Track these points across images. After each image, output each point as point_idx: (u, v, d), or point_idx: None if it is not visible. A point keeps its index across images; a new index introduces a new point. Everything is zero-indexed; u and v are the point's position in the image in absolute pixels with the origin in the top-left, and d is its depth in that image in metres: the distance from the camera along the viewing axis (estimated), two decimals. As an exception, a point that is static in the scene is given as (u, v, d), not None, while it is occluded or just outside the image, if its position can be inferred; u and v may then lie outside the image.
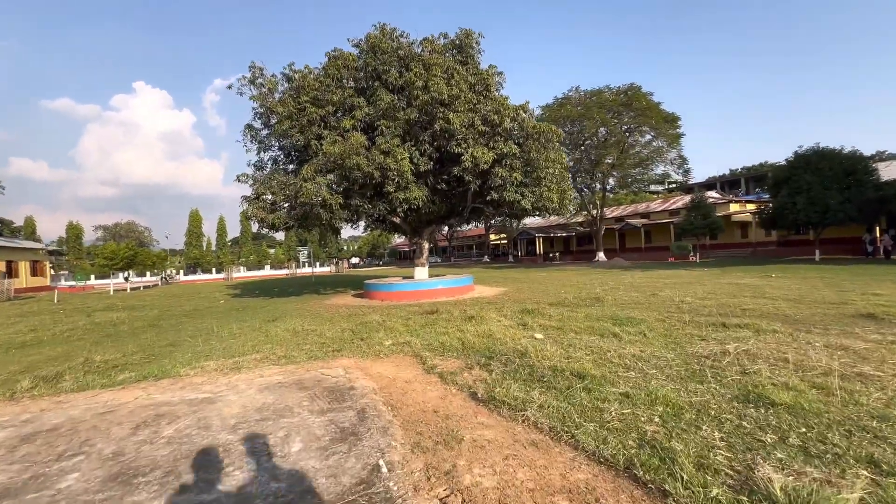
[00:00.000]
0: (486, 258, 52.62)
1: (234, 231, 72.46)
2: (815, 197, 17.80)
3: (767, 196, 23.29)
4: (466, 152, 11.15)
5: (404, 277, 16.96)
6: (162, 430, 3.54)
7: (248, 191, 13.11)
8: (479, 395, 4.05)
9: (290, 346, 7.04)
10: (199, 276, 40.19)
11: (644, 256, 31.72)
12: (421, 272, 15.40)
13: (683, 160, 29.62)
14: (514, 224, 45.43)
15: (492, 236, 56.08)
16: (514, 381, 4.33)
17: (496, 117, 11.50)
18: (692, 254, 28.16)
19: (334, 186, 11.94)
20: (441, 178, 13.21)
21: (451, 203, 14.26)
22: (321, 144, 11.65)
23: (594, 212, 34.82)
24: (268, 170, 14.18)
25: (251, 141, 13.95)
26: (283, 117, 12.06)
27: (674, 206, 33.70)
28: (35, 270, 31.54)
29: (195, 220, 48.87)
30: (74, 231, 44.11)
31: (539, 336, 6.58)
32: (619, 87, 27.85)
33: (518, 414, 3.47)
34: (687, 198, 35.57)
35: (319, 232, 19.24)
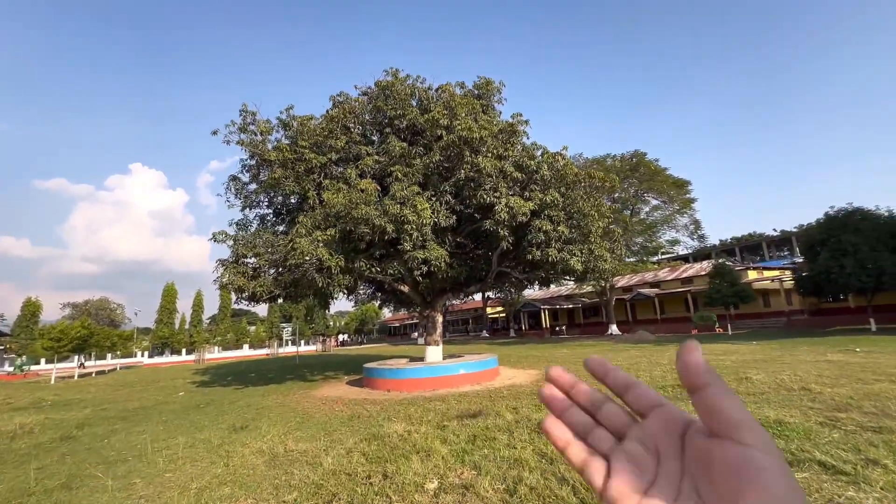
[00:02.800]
0: (484, 333, 49.23)
1: (212, 307, 68.09)
2: (865, 259, 16.13)
3: (788, 262, 21.69)
4: (500, 202, 9.10)
5: (410, 359, 13.97)
6: None
7: (225, 253, 10.64)
8: None
9: (262, 493, 4.12)
10: (166, 359, 35.57)
11: (660, 329, 29.21)
12: (434, 353, 12.52)
13: (697, 225, 28.56)
14: (517, 296, 43.01)
15: (488, 309, 53.26)
16: None
17: (532, 163, 9.67)
18: (717, 325, 25.81)
19: (334, 245, 9.57)
20: (462, 237, 11.02)
21: (471, 266, 11.91)
22: (321, 195, 9.52)
23: (602, 281, 32.88)
24: (253, 229, 11.85)
25: (235, 196, 11.79)
26: (276, 165, 10.03)
27: (686, 275, 32.07)
28: (-32, 355, 27.12)
29: (169, 294, 44.92)
30: (31, 308, 39.53)
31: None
32: (624, 154, 27.65)
33: None
34: (699, 265, 34.13)
35: (308, 304, 16.51)
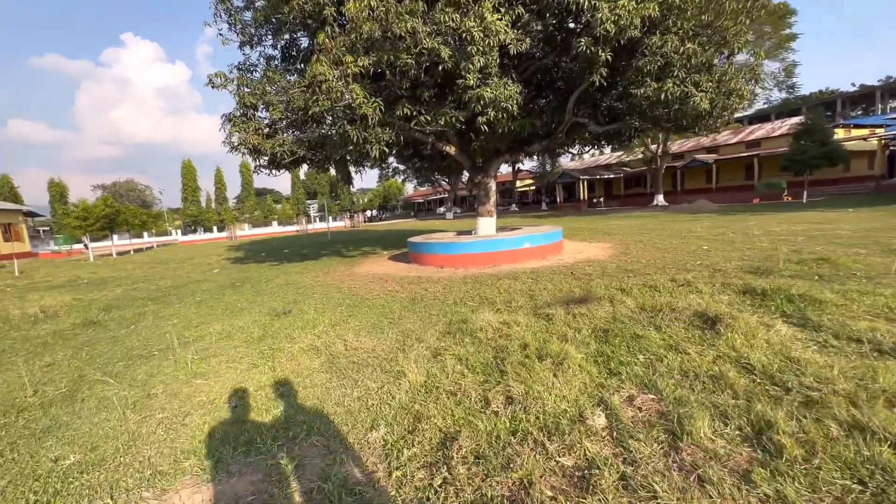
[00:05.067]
0: (513, 206, 47.54)
1: (235, 187, 67.48)
2: None
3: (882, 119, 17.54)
4: (601, 4, 6.14)
5: (458, 233, 12.44)
6: None
7: (230, 105, 8.36)
8: None
9: (330, 423, 2.71)
10: (200, 236, 36.06)
11: (714, 199, 26.53)
12: (487, 225, 10.83)
13: (790, 72, 23.11)
14: (555, 166, 39.84)
15: (517, 182, 50.54)
16: None
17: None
18: (786, 193, 22.98)
19: (368, 86, 7.10)
20: (533, 71, 8.23)
21: (538, 115, 9.31)
22: (342, 10, 6.70)
23: (653, 146, 29.22)
24: (259, 73, 9.25)
25: (230, 28, 8.92)
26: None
27: (752, 137, 27.91)
28: (8, 234, 27.58)
29: (189, 172, 43.46)
30: (57, 189, 39.28)
31: None
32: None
33: None
34: (770, 125, 29.56)
35: (332, 180, 14.62)
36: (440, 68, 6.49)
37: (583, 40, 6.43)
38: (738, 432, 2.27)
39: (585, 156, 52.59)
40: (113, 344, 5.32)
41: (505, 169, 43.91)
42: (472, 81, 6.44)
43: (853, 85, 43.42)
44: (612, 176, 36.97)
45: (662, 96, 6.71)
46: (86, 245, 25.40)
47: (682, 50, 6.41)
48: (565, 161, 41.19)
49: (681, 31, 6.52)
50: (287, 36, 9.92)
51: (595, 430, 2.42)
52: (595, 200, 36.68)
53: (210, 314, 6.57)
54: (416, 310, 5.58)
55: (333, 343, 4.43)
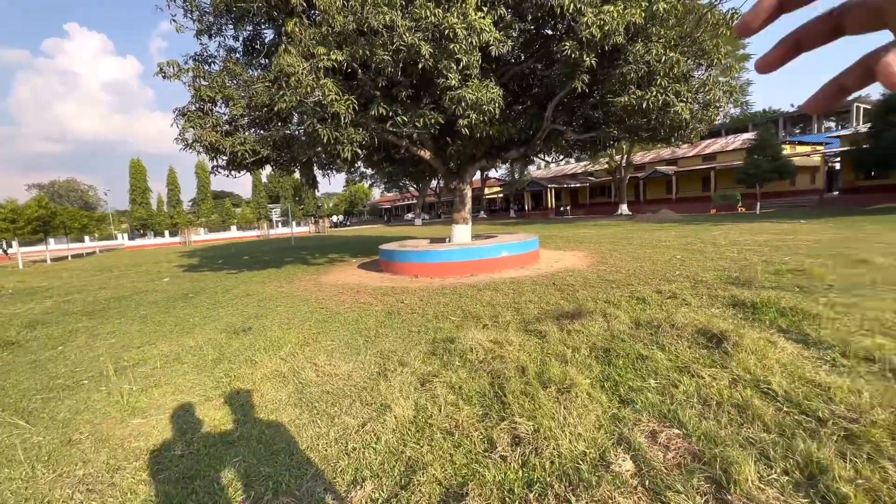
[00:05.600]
0: (482, 213, 47.70)
1: (190, 190, 63.67)
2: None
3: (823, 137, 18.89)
4: (586, 9, 5.99)
5: (432, 240, 12.03)
6: None
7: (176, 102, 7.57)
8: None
9: (301, 475, 2.18)
10: (150, 241, 33.38)
11: (675, 208, 27.59)
12: (462, 232, 10.49)
13: (743, 89, 24.57)
14: (523, 175, 40.27)
15: (486, 189, 50.84)
16: None
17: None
18: (740, 204, 24.22)
19: (341, 79, 6.58)
20: (512, 75, 8.00)
21: (524, 119, 9.08)
22: (312, 1, 6.19)
23: (617, 157, 30.12)
24: (218, 65, 8.50)
25: (185, 14, 8.14)
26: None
27: (708, 151, 29.39)
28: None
29: (137, 171, 40.05)
30: (-16, 188, 35.45)
31: None
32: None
33: None
34: (723, 140, 31.24)
35: (296, 184, 13.88)
36: (419, 67, 6.09)
37: (568, 44, 6.24)
38: (787, 477, 1.98)
39: (552, 164, 53.85)
40: (33, 371, 4.49)
41: (475, 175, 44.02)
42: (453, 81, 6.09)
43: (792, 106, 46.97)
44: (578, 185, 37.85)
45: (644, 104, 6.62)
46: (4, 250, 22.87)
47: (664, 59, 6.35)
48: (533, 170, 41.90)
49: (662, 40, 6.47)
50: (250, 27, 9.24)
51: (624, 479, 2.06)
52: (562, 209, 37.38)
53: (156, 332, 5.79)
54: (394, 325, 5.10)
55: (302, 368, 3.88)
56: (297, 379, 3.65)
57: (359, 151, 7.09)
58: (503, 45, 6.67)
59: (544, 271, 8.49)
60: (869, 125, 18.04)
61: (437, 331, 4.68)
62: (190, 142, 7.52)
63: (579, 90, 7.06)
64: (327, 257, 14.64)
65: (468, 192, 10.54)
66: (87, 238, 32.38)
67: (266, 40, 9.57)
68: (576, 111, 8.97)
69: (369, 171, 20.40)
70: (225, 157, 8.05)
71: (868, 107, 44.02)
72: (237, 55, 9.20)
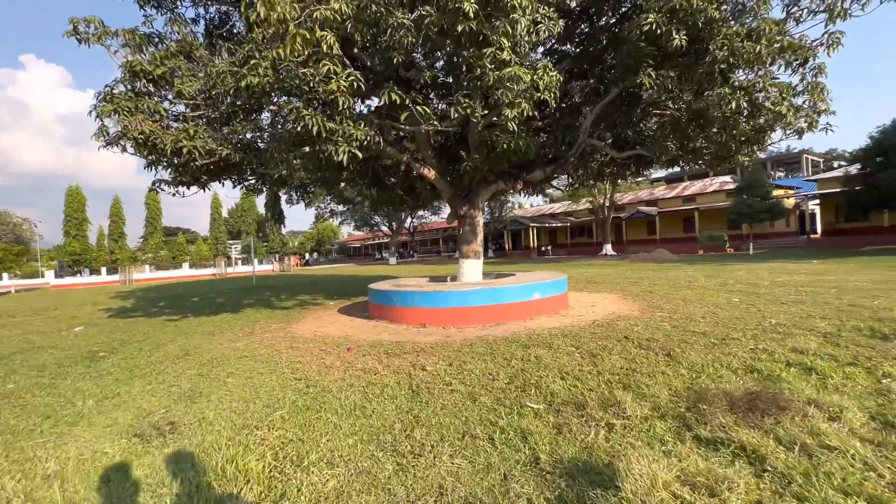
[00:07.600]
0: (456, 254, 46.05)
1: (138, 226, 58.57)
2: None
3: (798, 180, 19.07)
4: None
5: (431, 279, 9.96)
6: None
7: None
8: None
9: None
10: (83, 279, 28.88)
11: (663, 249, 27.11)
12: (473, 269, 8.52)
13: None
14: (506, 212, 39.35)
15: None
16: None
17: None
18: (728, 245, 23.87)
19: (338, 57, 4.71)
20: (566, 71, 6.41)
21: (556, 131, 7.46)
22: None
23: (600, 198, 29.74)
24: (169, 45, 6.42)
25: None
26: None
27: (687, 193, 29.59)
28: None
29: (74, 201, 35.24)
30: None
31: None
32: None
33: None
34: (701, 183, 31.69)
35: (269, 208, 11.72)
36: (459, 29, 4.29)
37: (651, 16, 4.70)
38: None
39: (527, 204, 53.75)
40: None
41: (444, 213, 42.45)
42: (506, 55, 4.33)
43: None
44: (558, 224, 37.21)
45: (736, 104, 5.12)
46: None
47: (765, 39, 4.93)
48: (512, 205, 41.20)
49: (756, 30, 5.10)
50: (214, 8, 7.37)
51: None
52: (543, 248, 36.36)
53: (24, 426, 3.29)
54: (433, 420, 2.92)
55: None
56: None
57: (358, 153, 5.09)
58: (554, 25, 5.07)
59: (589, 318, 6.57)
60: (858, 167, 18.17)
61: (526, 436, 2.55)
62: (113, 134, 5.28)
63: (640, 88, 5.51)
64: (297, 299, 12.14)
65: (480, 221, 8.67)
66: (4, 275, 27.69)
67: (235, 30, 7.71)
68: (617, 123, 7.48)
69: (339, 209, 18.45)
70: (166, 160, 5.79)
71: (816, 158, 47.34)
72: (201, 34, 7.22)
